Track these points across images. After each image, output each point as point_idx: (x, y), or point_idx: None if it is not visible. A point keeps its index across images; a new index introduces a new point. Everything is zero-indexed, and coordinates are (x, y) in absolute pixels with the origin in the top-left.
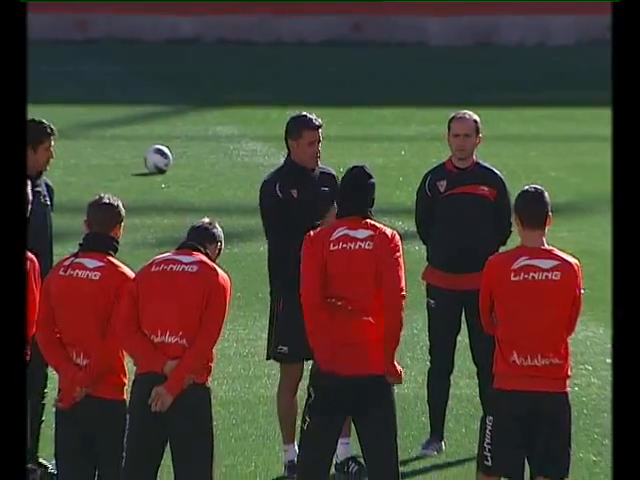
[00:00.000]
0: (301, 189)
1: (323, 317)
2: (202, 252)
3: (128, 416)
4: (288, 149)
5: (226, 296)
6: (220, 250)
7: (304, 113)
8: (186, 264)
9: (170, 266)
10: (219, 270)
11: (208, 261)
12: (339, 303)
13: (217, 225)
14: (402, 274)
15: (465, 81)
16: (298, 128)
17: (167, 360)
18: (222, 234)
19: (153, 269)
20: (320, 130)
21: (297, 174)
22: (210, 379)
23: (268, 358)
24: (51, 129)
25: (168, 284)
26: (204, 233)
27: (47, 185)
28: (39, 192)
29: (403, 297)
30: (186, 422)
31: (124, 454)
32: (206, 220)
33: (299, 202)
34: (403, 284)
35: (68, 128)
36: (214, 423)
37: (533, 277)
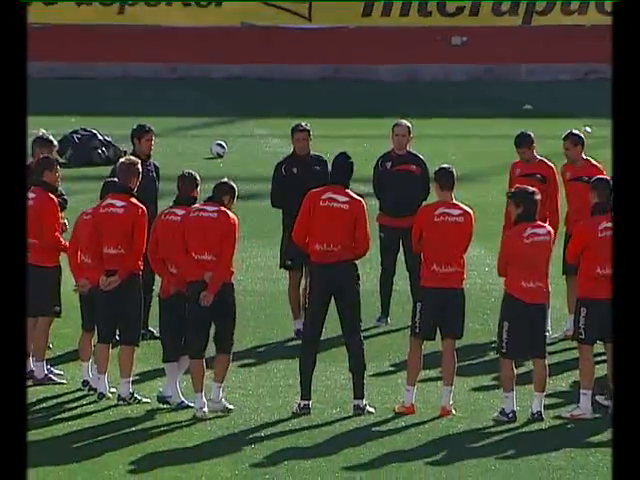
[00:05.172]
0: (299, 168)
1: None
2: (220, 203)
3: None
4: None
5: (235, 230)
6: (234, 198)
7: (298, 123)
8: (210, 212)
9: (200, 213)
10: (230, 214)
11: (225, 209)
12: (324, 247)
13: (232, 182)
14: (368, 231)
15: (402, 102)
16: (293, 131)
17: (205, 272)
18: (235, 188)
19: (192, 214)
20: (306, 133)
21: (297, 158)
22: (233, 279)
23: (281, 267)
24: (148, 128)
25: (199, 225)
26: (223, 188)
27: (155, 165)
28: (149, 169)
29: (369, 247)
30: (222, 308)
31: (191, 327)
32: (224, 180)
33: (297, 176)
34: (369, 239)
35: (165, 131)
36: (238, 308)
37: (448, 220)
